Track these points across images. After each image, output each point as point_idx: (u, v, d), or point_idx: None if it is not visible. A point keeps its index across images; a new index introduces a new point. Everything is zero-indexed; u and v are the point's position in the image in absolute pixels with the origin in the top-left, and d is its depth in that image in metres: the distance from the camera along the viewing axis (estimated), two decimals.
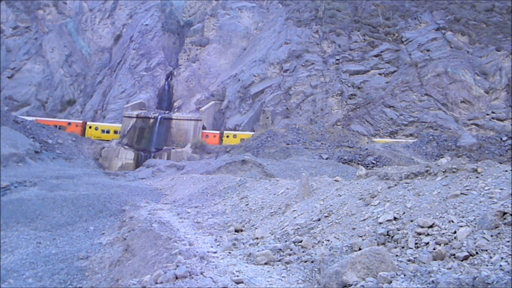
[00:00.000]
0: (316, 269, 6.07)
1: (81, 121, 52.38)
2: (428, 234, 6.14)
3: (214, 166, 28.14)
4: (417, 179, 8.97)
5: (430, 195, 7.69)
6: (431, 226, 6.29)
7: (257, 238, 9.17)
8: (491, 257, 4.99)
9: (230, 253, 7.83)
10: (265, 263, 6.81)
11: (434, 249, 5.64)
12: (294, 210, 10.65)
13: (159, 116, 51.00)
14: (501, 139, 35.76)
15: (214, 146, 45.19)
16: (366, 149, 34.52)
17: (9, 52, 64.03)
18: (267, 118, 49.58)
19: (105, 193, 18.97)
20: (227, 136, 48.19)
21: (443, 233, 5.99)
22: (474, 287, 4.19)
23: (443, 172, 8.56)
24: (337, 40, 55.42)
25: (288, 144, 36.75)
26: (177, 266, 6.14)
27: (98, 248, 12.44)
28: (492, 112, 46.36)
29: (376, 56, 53.18)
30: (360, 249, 6.10)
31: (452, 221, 6.23)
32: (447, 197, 7.23)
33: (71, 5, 72.17)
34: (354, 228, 7.66)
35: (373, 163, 30.59)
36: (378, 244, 6.33)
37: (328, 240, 7.55)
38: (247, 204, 13.59)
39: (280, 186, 14.62)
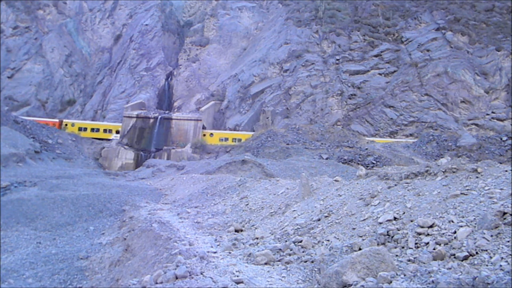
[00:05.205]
0: (316, 269, 6.07)
1: (57, 120, 52.58)
2: (428, 234, 6.14)
3: (214, 166, 28.14)
4: (417, 179, 8.97)
5: (430, 195, 7.69)
6: (431, 226, 6.29)
7: (257, 238, 9.17)
8: (491, 257, 4.99)
9: (230, 253, 7.83)
10: (265, 263, 6.80)
11: (434, 249, 5.64)
12: (294, 210, 10.65)
13: (159, 116, 51.01)
14: (501, 139, 35.77)
15: (213, 146, 45.13)
16: (366, 149, 34.52)
17: (9, 52, 64.03)
18: (267, 118, 49.59)
19: (105, 193, 18.97)
20: (66, 125, 50.57)
21: (443, 233, 5.98)
22: (474, 287, 4.19)
23: (443, 172, 8.56)
24: (337, 40, 55.43)
25: (288, 144, 36.74)
26: (177, 266, 6.13)
27: (98, 248, 12.43)
28: (492, 112, 46.38)
29: (376, 56, 53.19)
30: (360, 249, 6.10)
31: (452, 221, 6.23)
32: (447, 197, 7.23)
33: (71, 5, 72.17)
34: (354, 228, 7.65)
35: (373, 163, 30.59)
36: (378, 244, 6.33)
37: (328, 240, 7.54)
38: (247, 204, 13.58)
39: (280, 186, 14.61)
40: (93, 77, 66.25)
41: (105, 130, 51.27)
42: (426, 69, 49.35)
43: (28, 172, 24.65)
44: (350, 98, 49.64)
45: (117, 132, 51.03)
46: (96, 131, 50.76)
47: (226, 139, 47.56)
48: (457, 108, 46.95)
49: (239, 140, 46.59)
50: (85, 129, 50.50)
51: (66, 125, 51.01)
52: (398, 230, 6.65)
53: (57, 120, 52.06)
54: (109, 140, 49.45)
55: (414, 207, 7.37)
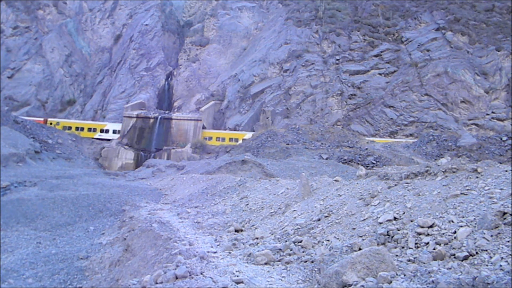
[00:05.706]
0: (316, 269, 6.07)
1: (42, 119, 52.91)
2: (428, 234, 6.14)
3: (214, 166, 28.13)
4: (417, 179, 8.97)
5: (430, 195, 7.69)
6: (431, 226, 6.29)
7: (257, 238, 9.17)
8: (491, 257, 4.99)
9: (230, 253, 7.83)
10: (265, 263, 6.80)
11: (434, 249, 5.64)
12: (294, 210, 10.65)
13: (159, 116, 51.05)
14: (501, 139, 35.74)
15: (213, 146, 45.26)
16: (366, 149, 34.49)
17: (9, 52, 64.03)
18: (267, 118, 49.58)
19: (105, 193, 18.97)
20: (51, 124, 51.44)
21: (443, 233, 5.98)
22: (474, 287, 4.19)
23: (443, 172, 8.56)
24: (337, 40, 55.42)
25: (288, 144, 36.72)
26: (177, 266, 6.13)
27: (98, 248, 12.43)
28: (492, 112, 46.37)
29: (376, 56, 53.18)
30: (360, 249, 6.10)
31: (452, 221, 6.23)
32: (447, 197, 7.23)
33: (71, 5, 72.16)
34: (354, 228, 7.65)
35: (373, 163, 30.56)
36: (378, 244, 6.33)
37: (328, 240, 7.54)
38: (247, 204, 13.58)
39: (280, 186, 14.61)
40: (93, 77, 66.24)
41: (89, 129, 51.55)
42: (426, 69, 49.34)
43: (28, 172, 24.66)
44: (350, 98, 49.64)
45: (101, 130, 51.31)
46: (81, 129, 51.07)
47: (210, 138, 48.02)
48: (457, 108, 46.95)
49: (223, 139, 47.42)
50: (70, 127, 50.75)
51: (51, 123, 51.22)
52: (398, 230, 6.66)
53: (41, 119, 52.25)
54: (94, 138, 49.70)
55: (414, 207, 7.37)
